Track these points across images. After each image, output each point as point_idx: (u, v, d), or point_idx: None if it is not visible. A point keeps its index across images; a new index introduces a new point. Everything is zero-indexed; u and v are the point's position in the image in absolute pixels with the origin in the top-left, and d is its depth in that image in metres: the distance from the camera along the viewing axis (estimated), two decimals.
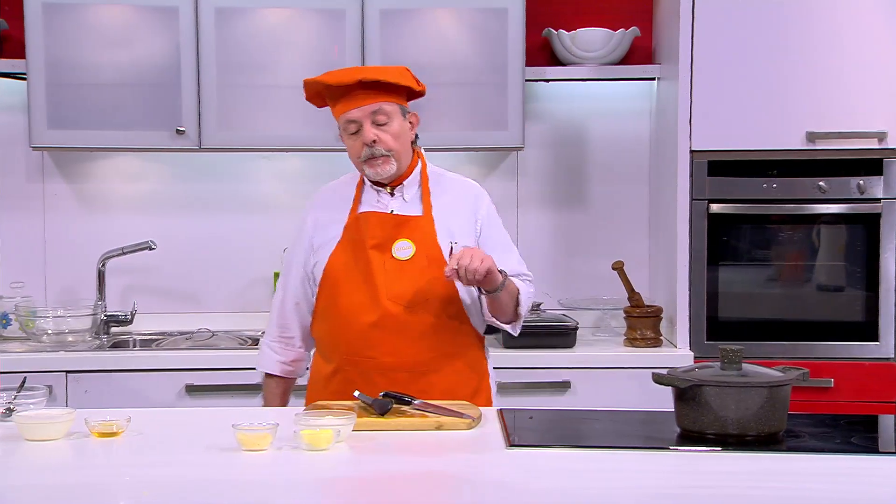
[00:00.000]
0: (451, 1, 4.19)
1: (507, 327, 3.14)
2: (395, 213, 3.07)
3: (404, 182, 3.09)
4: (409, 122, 3.09)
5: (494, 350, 4.01)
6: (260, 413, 2.92)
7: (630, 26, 4.39)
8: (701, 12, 4.00)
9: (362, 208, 3.09)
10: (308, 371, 3.22)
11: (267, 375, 3.24)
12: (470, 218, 3.11)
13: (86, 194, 4.51)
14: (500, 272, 2.94)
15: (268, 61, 4.15)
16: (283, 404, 3.23)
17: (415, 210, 3.08)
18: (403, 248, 3.02)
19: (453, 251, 2.99)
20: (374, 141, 3.00)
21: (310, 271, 3.13)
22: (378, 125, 3.01)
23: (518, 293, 3.06)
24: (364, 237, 3.04)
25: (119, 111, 4.13)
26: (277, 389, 3.23)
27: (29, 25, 4.08)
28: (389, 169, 3.04)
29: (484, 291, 2.97)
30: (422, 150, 3.18)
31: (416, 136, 3.13)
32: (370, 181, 3.10)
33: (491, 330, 3.20)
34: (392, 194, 3.09)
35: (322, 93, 3.08)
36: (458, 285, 3.00)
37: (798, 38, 4.01)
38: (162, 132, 4.14)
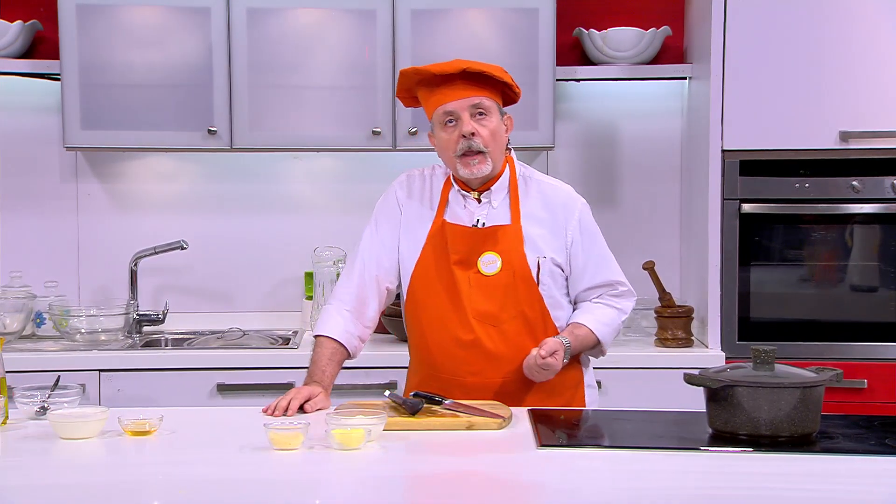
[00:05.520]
0: (481, 1, 4.19)
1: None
2: (481, 223, 2.97)
3: (492, 188, 2.99)
4: (504, 125, 2.99)
5: None
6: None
7: (661, 26, 4.37)
8: (733, 11, 3.98)
9: (448, 214, 3.00)
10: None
11: (324, 339, 2.98)
12: (560, 230, 3.01)
13: (118, 194, 4.54)
14: (565, 345, 2.90)
15: (299, 61, 4.16)
16: (334, 375, 2.96)
17: (503, 218, 2.98)
18: (490, 263, 2.94)
19: (541, 266, 2.95)
20: (473, 133, 2.89)
21: (395, 258, 3.02)
22: (477, 118, 2.91)
23: (597, 340, 3.01)
24: (448, 252, 2.96)
25: (151, 111, 4.15)
26: (334, 356, 2.96)
27: (63, 26, 4.11)
28: (484, 169, 2.93)
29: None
30: (513, 154, 3.07)
31: (508, 139, 3.03)
32: (459, 185, 3.00)
33: None
34: (479, 201, 3.00)
35: (413, 88, 2.98)
36: (542, 288, 2.97)
37: (831, 37, 3.98)
38: (194, 132, 4.16)
